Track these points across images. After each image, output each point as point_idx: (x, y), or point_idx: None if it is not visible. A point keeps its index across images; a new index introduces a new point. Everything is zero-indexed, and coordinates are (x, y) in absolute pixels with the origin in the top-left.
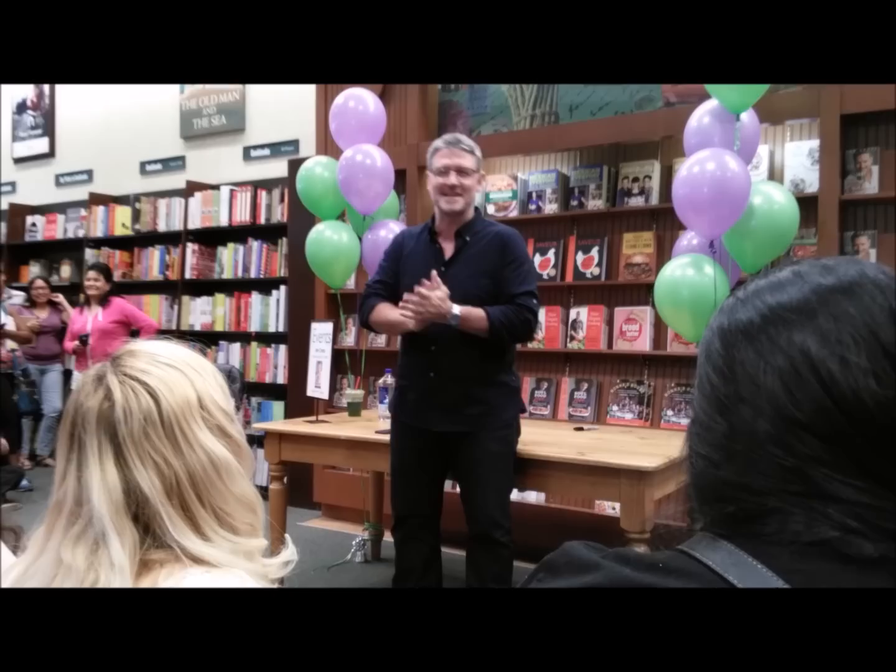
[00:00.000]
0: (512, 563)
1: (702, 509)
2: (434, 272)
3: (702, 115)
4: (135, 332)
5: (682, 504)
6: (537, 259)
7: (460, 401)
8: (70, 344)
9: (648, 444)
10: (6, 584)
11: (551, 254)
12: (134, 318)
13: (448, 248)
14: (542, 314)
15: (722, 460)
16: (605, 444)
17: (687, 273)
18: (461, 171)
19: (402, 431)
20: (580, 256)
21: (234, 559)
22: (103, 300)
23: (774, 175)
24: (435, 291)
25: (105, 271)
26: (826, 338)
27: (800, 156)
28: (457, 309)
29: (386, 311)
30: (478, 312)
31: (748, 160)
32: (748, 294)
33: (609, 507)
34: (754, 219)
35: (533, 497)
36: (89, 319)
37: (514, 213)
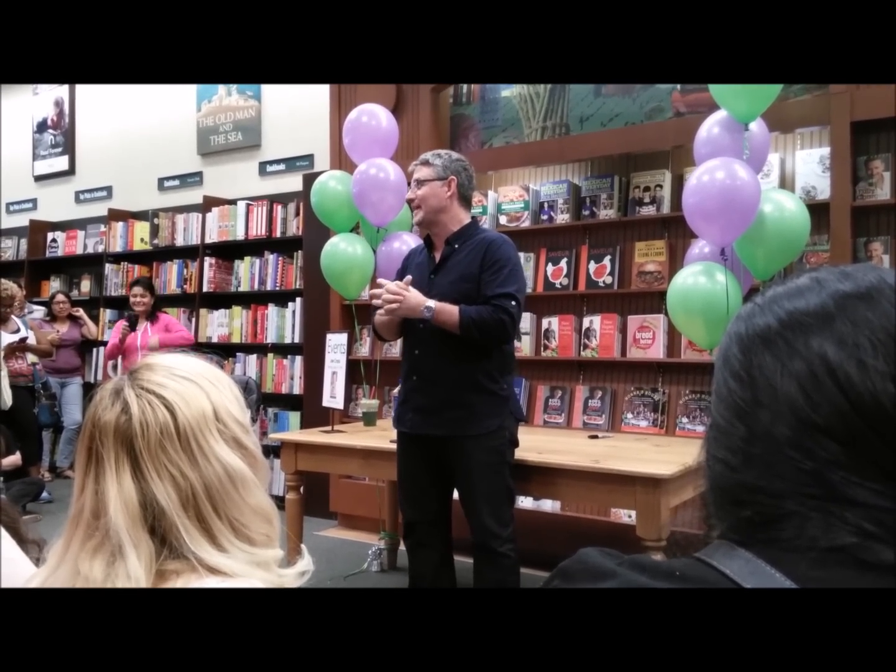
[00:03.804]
0: (517, 573)
1: (718, 514)
2: (409, 277)
3: (711, 125)
4: None
5: (700, 511)
6: (550, 268)
7: (438, 404)
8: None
9: (664, 452)
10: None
11: (564, 263)
12: (174, 330)
13: (439, 257)
14: (555, 323)
15: (740, 464)
16: (620, 452)
17: (699, 281)
18: (417, 184)
19: (399, 437)
20: (592, 265)
21: (249, 569)
22: (151, 315)
23: (785, 183)
24: (394, 283)
25: (149, 286)
26: (843, 342)
27: (811, 163)
28: (431, 303)
29: (379, 315)
30: (451, 308)
31: (758, 169)
32: (766, 300)
33: (625, 515)
34: (765, 226)
35: (548, 505)
36: (139, 335)
37: (526, 224)
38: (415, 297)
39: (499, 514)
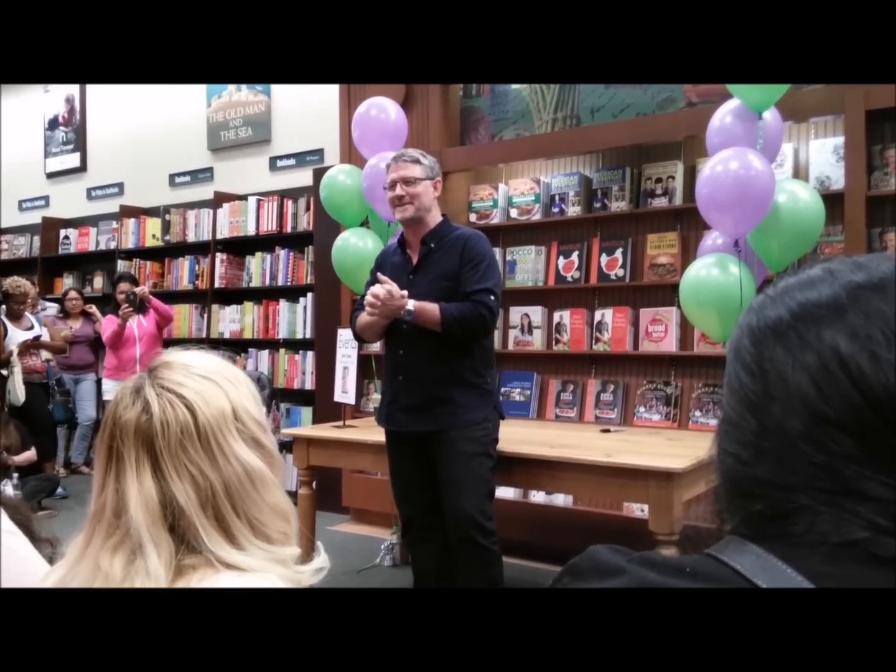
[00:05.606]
0: (500, 568)
1: (730, 508)
2: (380, 275)
3: (724, 115)
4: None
5: (712, 505)
6: (561, 261)
7: (426, 402)
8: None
9: (676, 446)
10: (48, 586)
11: (575, 256)
12: (156, 309)
13: (416, 257)
14: (567, 316)
15: (751, 458)
16: (633, 446)
17: (712, 273)
18: (406, 182)
19: (387, 436)
20: (604, 258)
21: (268, 565)
22: (141, 307)
23: (799, 173)
24: (384, 287)
25: (135, 281)
26: (856, 334)
27: (825, 153)
28: (411, 304)
29: (362, 317)
30: (431, 307)
31: (772, 158)
32: (778, 292)
33: (637, 510)
34: (779, 217)
35: (561, 500)
36: (135, 327)
37: (537, 217)
38: (398, 301)
39: (482, 506)
